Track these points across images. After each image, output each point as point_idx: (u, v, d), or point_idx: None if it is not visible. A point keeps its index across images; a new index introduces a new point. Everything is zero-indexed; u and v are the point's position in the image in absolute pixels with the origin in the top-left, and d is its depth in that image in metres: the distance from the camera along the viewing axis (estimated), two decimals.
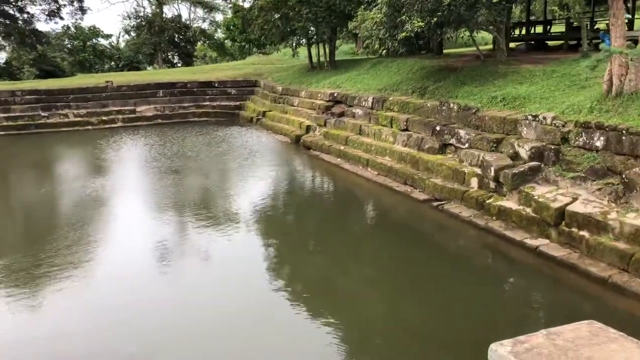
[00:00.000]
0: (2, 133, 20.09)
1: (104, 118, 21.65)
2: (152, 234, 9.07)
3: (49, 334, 5.87)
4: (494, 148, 9.61)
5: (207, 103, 23.47)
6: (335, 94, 16.55)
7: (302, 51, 25.65)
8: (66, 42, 41.33)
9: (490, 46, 18.35)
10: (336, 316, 5.98)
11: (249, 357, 5.33)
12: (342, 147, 14.14)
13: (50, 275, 7.33)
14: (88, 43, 41.55)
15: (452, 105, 11.23)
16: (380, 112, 13.65)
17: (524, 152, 9.00)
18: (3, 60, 38.51)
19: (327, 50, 21.32)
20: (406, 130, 12.32)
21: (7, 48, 37.49)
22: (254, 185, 12.19)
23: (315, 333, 5.72)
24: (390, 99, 13.62)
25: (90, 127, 21.19)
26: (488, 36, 24.05)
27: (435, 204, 9.76)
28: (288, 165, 14.27)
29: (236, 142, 17.38)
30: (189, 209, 10.48)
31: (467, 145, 10.25)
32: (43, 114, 21.28)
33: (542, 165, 8.59)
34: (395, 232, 9.07)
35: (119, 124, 21.59)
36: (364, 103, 14.75)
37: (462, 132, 10.47)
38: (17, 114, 21.03)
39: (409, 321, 6.02)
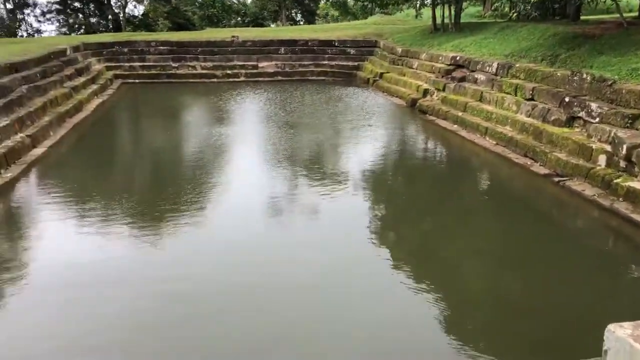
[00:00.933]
0: (137, 81, 21.67)
1: (228, 72, 22.58)
2: (265, 184, 9.47)
3: (168, 274, 6.35)
4: (629, 124, 8.85)
5: (326, 62, 23.64)
6: (458, 58, 15.98)
7: (426, 12, 24.92)
8: None
9: (635, 13, 16.71)
10: (437, 286, 5.91)
11: (341, 317, 5.44)
12: (460, 114, 13.72)
13: (169, 217, 7.92)
14: None
15: (585, 75, 10.44)
16: (505, 79, 13.01)
17: None
18: (141, 12, 41.13)
19: (452, 12, 20.52)
20: (531, 99, 11.68)
21: (145, 1, 39.96)
22: (366, 146, 12.22)
23: (413, 301, 5.69)
24: (517, 65, 12.91)
25: (215, 79, 22.23)
26: (634, 1, 21.90)
27: (556, 179, 9.25)
28: (402, 128, 14.11)
29: (352, 103, 17.43)
30: (301, 164, 10.78)
31: (597, 119, 9.52)
32: (173, 64, 22.61)
33: None
34: (510, 206, 8.74)
35: (242, 78, 22.42)
36: (487, 68, 14.12)
37: (593, 105, 9.73)
38: (151, 64, 22.51)
39: (515, 297, 5.84)
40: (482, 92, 13.55)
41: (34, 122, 12.26)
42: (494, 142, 11.73)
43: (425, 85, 16.79)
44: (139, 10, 41.90)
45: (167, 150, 12.26)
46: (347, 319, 5.31)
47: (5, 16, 36.59)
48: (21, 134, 11.17)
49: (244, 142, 12.70)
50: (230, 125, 14.42)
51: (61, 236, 7.32)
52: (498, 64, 13.64)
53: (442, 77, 16.07)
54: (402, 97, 17.51)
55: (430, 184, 10.01)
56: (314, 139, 12.77)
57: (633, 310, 5.48)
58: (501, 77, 13.30)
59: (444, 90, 15.55)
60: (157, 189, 9.65)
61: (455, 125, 13.61)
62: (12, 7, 38.01)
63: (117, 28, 37.55)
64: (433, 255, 6.87)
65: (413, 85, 17.48)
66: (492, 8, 27.29)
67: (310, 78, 22.74)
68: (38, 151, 11.12)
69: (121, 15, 38.88)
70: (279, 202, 8.60)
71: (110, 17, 39.28)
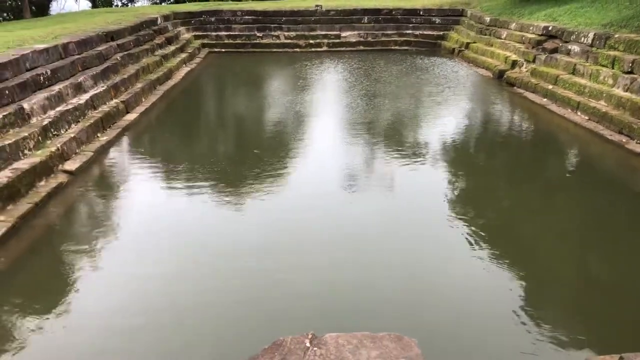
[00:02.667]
0: (224, 50, 22.21)
1: (310, 41, 22.64)
2: (342, 154, 9.55)
3: (246, 246, 6.60)
4: None
5: (410, 31, 23.15)
6: (550, 28, 15.17)
7: None
8: None
9: None
10: (518, 266, 5.79)
11: (417, 293, 5.46)
12: (550, 87, 13.10)
13: (251, 182, 8.18)
14: None
15: None
16: (601, 51, 12.24)
17: None
18: None
19: None
20: (630, 72, 10.94)
21: None
22: (449, 118, 11.95)
23: (492, 281, 5.60)
24: (616, 36, 12.09)
25: (298, 49, 22.37)
26: None
27: None
28: (488, 100, 13.67)
29: (435, 73, 17.05)
30: (380, 135, 10.74)
31: None
32: (258, 34, 22.94)
33: None
34: (600, 185, 8.32)
35: (324, 48, 22.43)
36: (582, 39, 13.33)
37: None
38: (236, 33, 22.96)
39: (600, 280, 5.63)
40: (575, 65, 12.83)
41: (128, 89, 12.92)
42: (586, 118, 11.14)
43: (514, 57, 16.10)
44: None
45: (251, 117, 12.59)
46: (428, 303, 5.33)
47: None
48: (116, 100, 11.81)
49: (325, 112, 12.79)
50: (312, 94, 14.53)
51: (151, 196, 7.76)
52: (595, 34, 12.83)
53: (532, 48, 15.34)
54: (489, 68, 16.91)
55: (516, 159, 9.69)
56: (396, 110, 12.65)
57: None
58: (597, 48, 12.52)
59: (533, 61, 14.86)
60: (239, 154, 9.98)
61: (545, 99, 13.02)
62: None
63: None
64: (513, 233, 6.71)
65: (501, 56, 16.82)
66: None
67: (393, 48, 22.40)
68: (131, 117, 11.73)
69: None
70: (357, 174, 8.65)
71: None
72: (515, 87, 14.65)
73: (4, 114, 8.15)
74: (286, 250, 6.18)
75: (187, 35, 21.75)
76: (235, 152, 10.29)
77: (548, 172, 8.86)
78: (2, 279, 5.67)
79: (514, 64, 15.84)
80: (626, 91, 10.72)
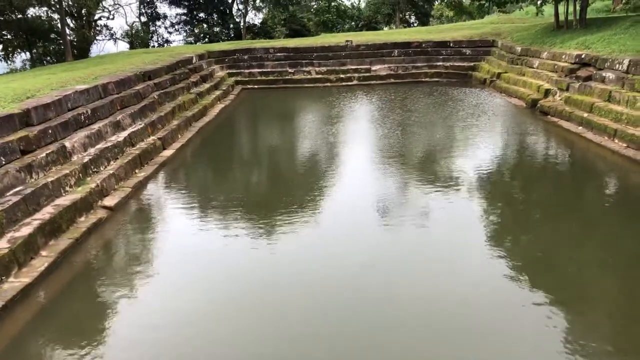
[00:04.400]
0: (256, 86, 22.65)
1: (341, 76, 22.92)
2: (376, 185, 9.55)
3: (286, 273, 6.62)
4: None
5: (440, 63, 23.24)
6: (583, 56, 15.03)
7: (548, 9, 23.68)
8: (312, 3, 44.32)
9: None
10: (559, 300, 5.61)
11: (458, 330, 5.36)
12: (585, 115, 12.90)
13: (285, 215, 8.23)
14: (332, 3, 43.95)
15: None
16: (638, 77, 12.05)
17: None
18: (260, 21, 43.00)
19: (578, 7, 19.33)
20: None
21: (264, 10, 41.77)
22: (482, 148, 11.86)
23: (532, 314, 5.45)
24: None
25: (329, 84, 22.66)
26: None
27: None
28: (521, 130, 13.52)
29: (468, 103, 17.01)
30: (412, 166, 10.71)
31: None
32: (290, 70, 23.36)
33: None
34: None
35: (355, 82, 22.66)
36: (617, 66, 13.15)
37: None
38: (268, 70, 23.43)
39: None
40: (610, 92, 12.64)
41: (164, 126, 13.26)
42: (624, 145, 10.91)
43: (547, 85, 15.97)
44: (258, 18, 43.91)
45: (284, 151, 12.74)
46: (470, 341, 5.23)
47: (140, 28, 39.81)
48: (153, 137, 12.13)
49: (358, 144, 12.85)
50: (345, 126, 14.64)
51: (187, 230, 7.88)
52: (630, 60, 12.66)
53: (566, 76, 15.21)
54: (522, 97, 16.79)
55: (552, 189, 9.51)
56: (429, 141, 12.63)
57: None
58: (633, 74, 12.33)
59: (567, 90, 14.71)
60: (273, 187, 10.08)
61: (580, 127, 12.82)
62: (146, 20, 41.28)
63: (238, 36, 39.47)
64: (552, 266, 6.53)
65: (533, 85, 16.70)
66: (624, 1, 25.32)
67: (423, 80, 22.48)
68: (167, 153, 12.01)
69: (242, 23, 40.81)
70: (392, 205, 8.61)
71: (231, 26, 41.36)
72: (549, 116, 14.49)
73: (47, 152, 8.46)
74: (320, 287, 6.16)
75: (221, 73, 22.29)
76: (270, 186, 10.40)
77: (587, 203, 8.67)
78: (43, 313, 5.79)
79: (547, 92, 15.69)
80: None
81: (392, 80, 22.63)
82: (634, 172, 9.90)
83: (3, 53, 28.95)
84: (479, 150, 11.69)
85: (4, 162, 7.75)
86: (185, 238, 7.65)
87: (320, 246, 7.21)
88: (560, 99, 14.77)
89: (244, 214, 8.41)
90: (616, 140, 11.27)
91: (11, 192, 7.33)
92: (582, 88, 13.95)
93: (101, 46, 38.05)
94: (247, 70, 23.40)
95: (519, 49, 19.65)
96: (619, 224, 7.68)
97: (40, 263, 6.52)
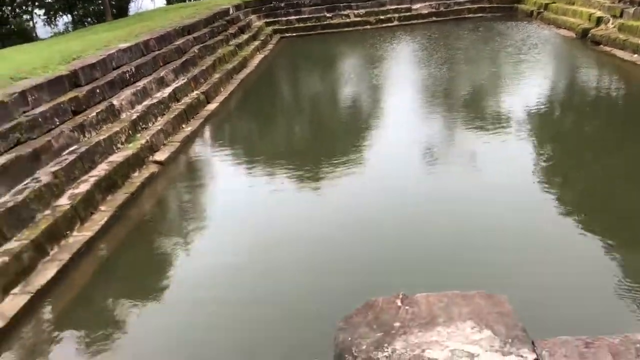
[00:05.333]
0: (295, 34, 22.39)
1: (381, 17, 22.34)
2: (422, 127, 9.43)
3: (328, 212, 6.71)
4: None
5: None
6: None
7: None
8: None
9: None
10: (613, 236, 5.47)
11: (515, 266, 5.33)
12: None
13: (325, 167, 8.27)
14: None
15: None
16: None
17: None
18: None
19: None
20: None
21: None
22: (531, 83, 11.45)
23: (587, 254, 5.36)
24: None
25: (368, 26, 22.15)
26: None
27: None
28: (572, 61, 12.99)
29: (514, 38, 16.36)
30: (459, 106, 10.48)
31: None
32: (327, 14, 22.90)
33: None
34: None
35: (395, 22, 22.07)
36: None
37: None
38: (306, 16, 23.04)
39: None
40: None
41: (207, 80, 13.36)
42: None
43: (599, 13, 15.16)
44: None
45: (327, 98, 12.70)
46: (517, 263, 5.22)
47: None
48: (196, 91, 12.26)
49: (402, 87, 12.66)
50: (388, 70, 14.40)
51: (236, 182, 8.05)
52: None
53: (619, 1, 14.37)
54: (571, 28, 16.02)
55: (607, 123, 9.15)
56: (472, 79, 12.31)
57: None
58: None
59: (621, 16, 13.93)
60: (319, 136, 10.11)
61: (635, 55, 12.20)
62: None
63: None
64: (608, 204, 6.34)
65: (584, 14, 15.88)
66: None
67: (467, 16, 21.67)
68: (211, 106, 12.13)
69: None
70: (440, 145, 8.52)
71: None
72: (601, 45, 13.82)
73: (97, 111, 8.70)
74: (368, 224, 6.23)
75: (258, 23, 22.10)
76: (315, 134, 10.44)
77: None
78: (105, 265, 6.11)
79: (598, 21, 14.92)
80: None
81: (434, 19, 21.91)
82: None
83: (46, 17, 29.47)
84: (526, 86, 11.29)
85: (57, 123, 8.03)
86: (234, 190, 7.82)
87: (376, 184, 7.22)
88: (613, 27, 14.03)
89: (290, 163, 8.49)
90: None
91: (67, 151, 7.63)
92: (637, 13, 13.19)
93: (138, 4, 38.15)
94: (284, 18, 23.09)
95: None
96: None
97: (100, 217, 6.82)
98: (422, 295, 2.08)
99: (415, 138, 8.87)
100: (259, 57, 17.96)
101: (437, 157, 8.04)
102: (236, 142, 10.07)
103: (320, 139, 9.81)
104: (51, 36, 27.81)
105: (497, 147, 8.21)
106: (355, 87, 12.98)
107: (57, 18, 30.10)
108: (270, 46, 20.16)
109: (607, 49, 13.44)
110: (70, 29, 29.33)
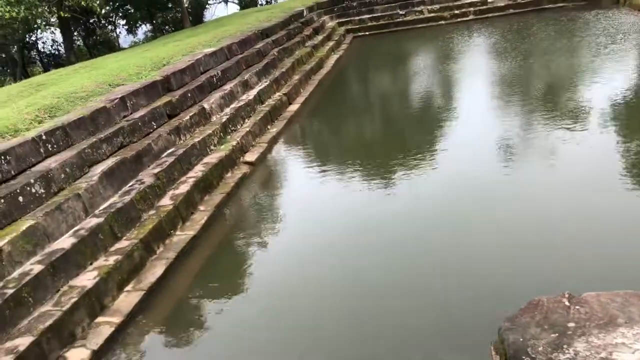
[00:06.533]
0: (368, 33, 22.33)
1: (456, 12, 21.89)
2: (498, 124, 9.11)
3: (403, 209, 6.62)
4: None
5: None
6: None
7: None
8: None
9: None
10: None
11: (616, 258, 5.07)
12: None
13: (401, 166, 8.16)
14: None
15: None
16: None
17: None
18: None
19: None
20: None
21: None
22: (615, 77, 10.79)
23: None
24: None
25: (443, 22, 21.76)
26: None
27: None
28: None
29: (600, 28, 15.55)
30: (537, 102, 10.01)
31: None
32: (400, 12, 22.69)
33: None
34: None
35: (471, 16, 21.54)
36: None
37: None
38: (379, 14, 22.93)
39: None
40: None
41: (287, 81, 13.55)
42: None
43: None
44: None
45: (403, 96, 12.57)
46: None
47: None
48: (279, 93, 12.45)
49: (474, 80, 12.34)
50: (467, 66, 14.07)
51: (325, 182, 8.10)
52: None
53: None
54: None
55: None
56: (552, 75, 11.80)
57: None
58: None
59: None
60: (398, 133, 10.01)
61: None
62: None
63: None
64: None
65: None
66: None
67: (546, 7, 20.83)
68: (293, 107, 12.29)
69: None
70: (510, 147, 8.21)
71: None
72: None
73: (190, 114, 9.01)
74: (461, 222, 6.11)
75: (331, 24, 22.19)
76: (396, 133, 10.33)
77: None
78: (209, 261, 6.31)
79: None
80: None
81: (512, 11, 21.23)
82: None
83: (127, 27, 30.83)
84: (611, 80, 10.53)
85: (154, 126, 8.39)
86: (323, 189, 7.86)
87: (444, 186, 7.09)
88: None
89: (376, 162, 8.47)
90: None
91: (165, 153, 7.95)
92: None
93: (212, 10, 39.22)
94: (356, 18, 23.07)
95: None
96: None
97: (200, 217, 7.06)
98: (590, 295, 2.00)
99: (490, 129, 8.61)
100: (334, 58, 18.03)
101: (518, 152, 7.77)
102: (320, 142, 10.16)
103: (401, 136, 9.72)
104: (132, 45, 29.07)
105: (585, 144, 7.82)
106: (433, 87, 12.75)
107: (138, 27, 31.42)
108: (344, 46, 20.19)
109: None
110: (149, 37, 30.55)
